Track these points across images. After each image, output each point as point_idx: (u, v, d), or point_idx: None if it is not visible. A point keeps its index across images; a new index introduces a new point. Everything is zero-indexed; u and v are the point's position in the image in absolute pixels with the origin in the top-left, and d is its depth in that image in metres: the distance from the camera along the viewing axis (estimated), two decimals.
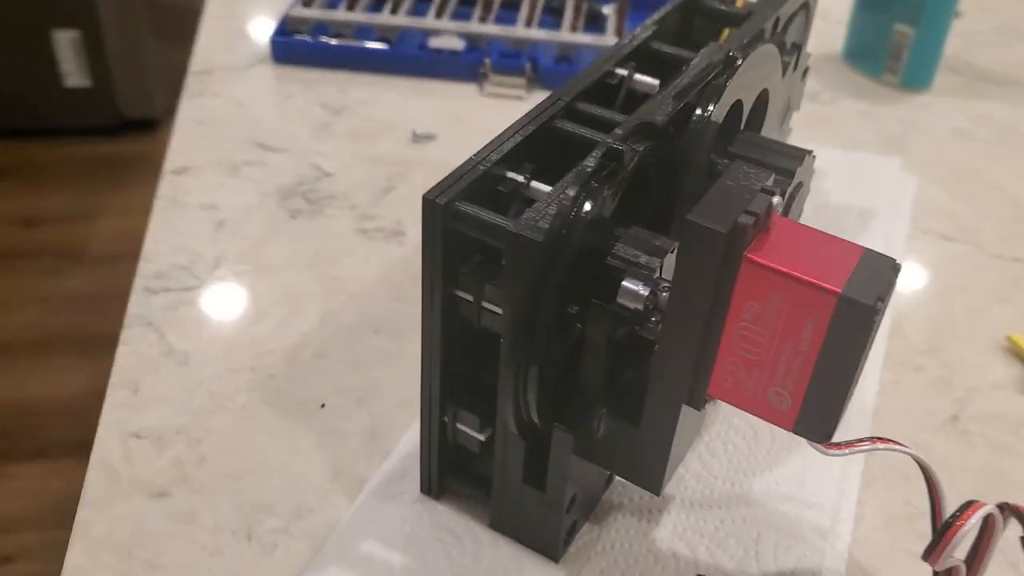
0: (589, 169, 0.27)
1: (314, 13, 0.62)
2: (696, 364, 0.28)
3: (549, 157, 0.31)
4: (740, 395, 0.28)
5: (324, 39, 0.61)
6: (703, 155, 0.32)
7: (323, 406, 0.38)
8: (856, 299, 0.25)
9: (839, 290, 0.25)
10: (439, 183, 0.28)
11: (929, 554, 0.27)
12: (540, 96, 0.58)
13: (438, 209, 0.27)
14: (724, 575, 0.32)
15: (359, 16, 0.62)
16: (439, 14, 0.62)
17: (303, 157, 0.53)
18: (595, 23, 0.64)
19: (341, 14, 0.62)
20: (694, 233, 0.26)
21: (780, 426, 0.28)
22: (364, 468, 0.36)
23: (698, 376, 0.28)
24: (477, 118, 0.57)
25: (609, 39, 0.60)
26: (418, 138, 0.55)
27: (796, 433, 0.28)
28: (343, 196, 0.50)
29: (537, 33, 0.61)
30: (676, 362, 0.28)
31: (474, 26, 0.61)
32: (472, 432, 0.32)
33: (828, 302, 0.25)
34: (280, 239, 0.47)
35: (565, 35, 0.61)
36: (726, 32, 0.41)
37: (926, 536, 0.29)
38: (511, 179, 0.30)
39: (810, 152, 0.34)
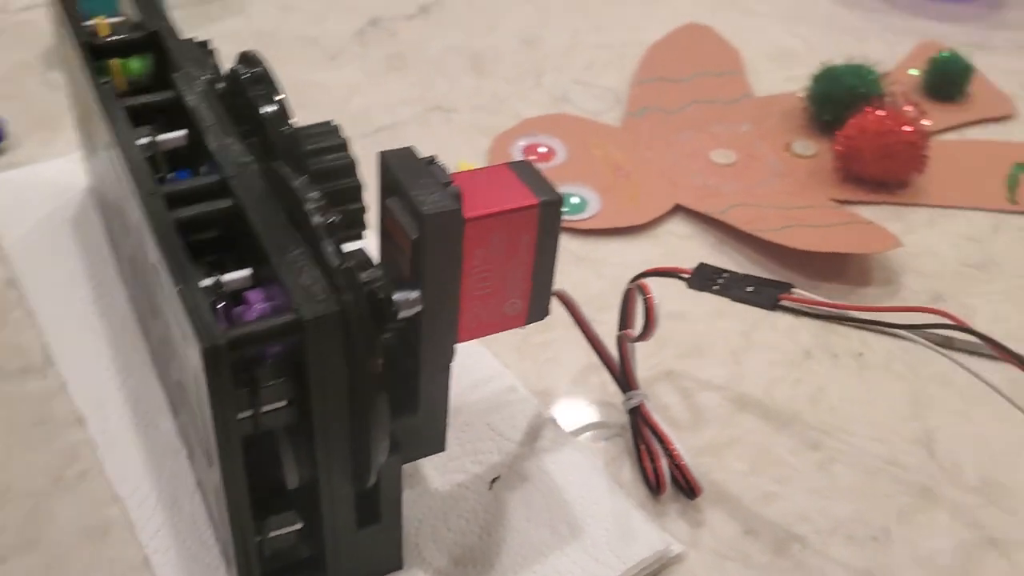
0: (322, 221, 0.27)
1: None
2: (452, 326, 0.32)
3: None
4: (483, 327, 0.33)
5: None
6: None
7: None
8: (549, 199, 0.31)
9: (536, 201, 0.31)
10: (194, 330, 0.25)
11: (644, 334, 0.36)
12: None
13: (222, 351, 0.25)
14: (501, 466, 0.38)
15: None
16: None
17: None
18: None
19: None
20: (437, 223, 0.28)
21: (515, 327, 0.34)
22: None
23: (453, 335, 0.32)
24: None
25: None
26: None
27: (528, 323, 0.34)
28: None
29: None
30: (442, 335, 0.31)
31: None
32: (290, 529, 0.31)
33: (532, 214, 0.31)
34: None
35: None
36: (116, 63, 0.39)
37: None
38: (209, 286, 0.28)
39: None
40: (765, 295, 0.34)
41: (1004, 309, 0.47)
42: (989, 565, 0.36)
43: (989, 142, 0.59)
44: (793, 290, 0.33)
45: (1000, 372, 0.34)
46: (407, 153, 0.31)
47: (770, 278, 0.34)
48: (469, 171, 0.32)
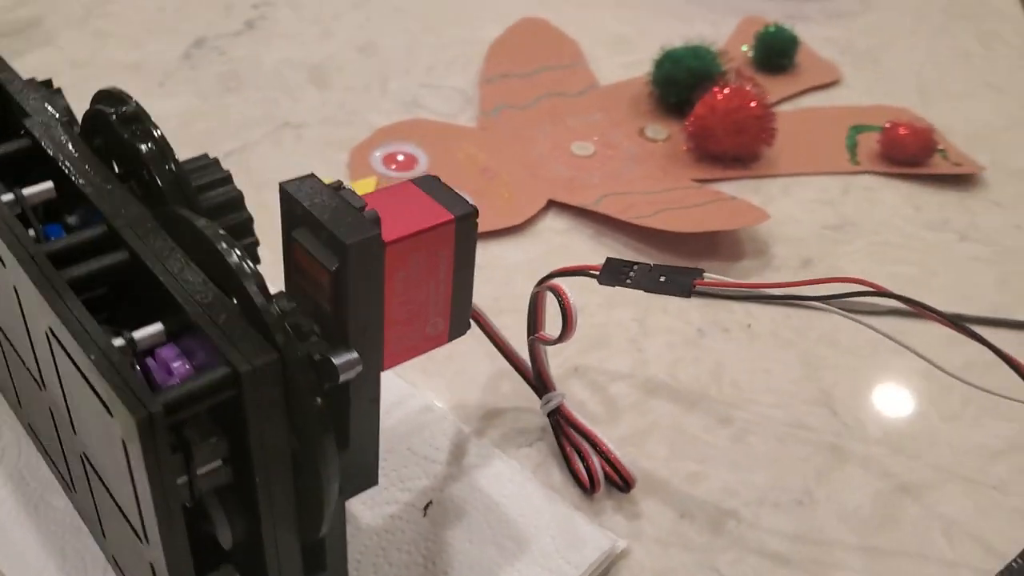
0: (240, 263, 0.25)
1: None
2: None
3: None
4: (407, 351, 0.32)
5: None
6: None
7: None
8: (464, 213, 0.30)
9: (452, 216, 0.30)
10: (122, 399, 0.23)
11: (563, 336, 0.36)
12: None
13: (157, 418, 0.23)
14: (432, 489, 0.37)
15: None
16: None
17: None
18: None
19: None
20: (360, 251, 0.27)
21: (438, 347, 0.33)
22: None
23: (380, 364, 0.31)
24: None
25: None
26: None
27: (451, 340, 0.33)
28: None
29: None
30: (369, 367, 0.30)
31: None
32: None
33: (450, 230, 0.30)
34: None
35: None
36: None
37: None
38: (123, 346, 0.25)
39: None
40: (678, 283, 0.34)
41: (866, 265, 0.50)
42: (906, 510, 0.38)
43: (824, 109, 0.62)
44: (705, 275, 0.34)
45: (884, 325, 0.35)
46: (311, 181, 0.29)
47: (680, 265, 0.35)
48: (374, 192, 0.30)
